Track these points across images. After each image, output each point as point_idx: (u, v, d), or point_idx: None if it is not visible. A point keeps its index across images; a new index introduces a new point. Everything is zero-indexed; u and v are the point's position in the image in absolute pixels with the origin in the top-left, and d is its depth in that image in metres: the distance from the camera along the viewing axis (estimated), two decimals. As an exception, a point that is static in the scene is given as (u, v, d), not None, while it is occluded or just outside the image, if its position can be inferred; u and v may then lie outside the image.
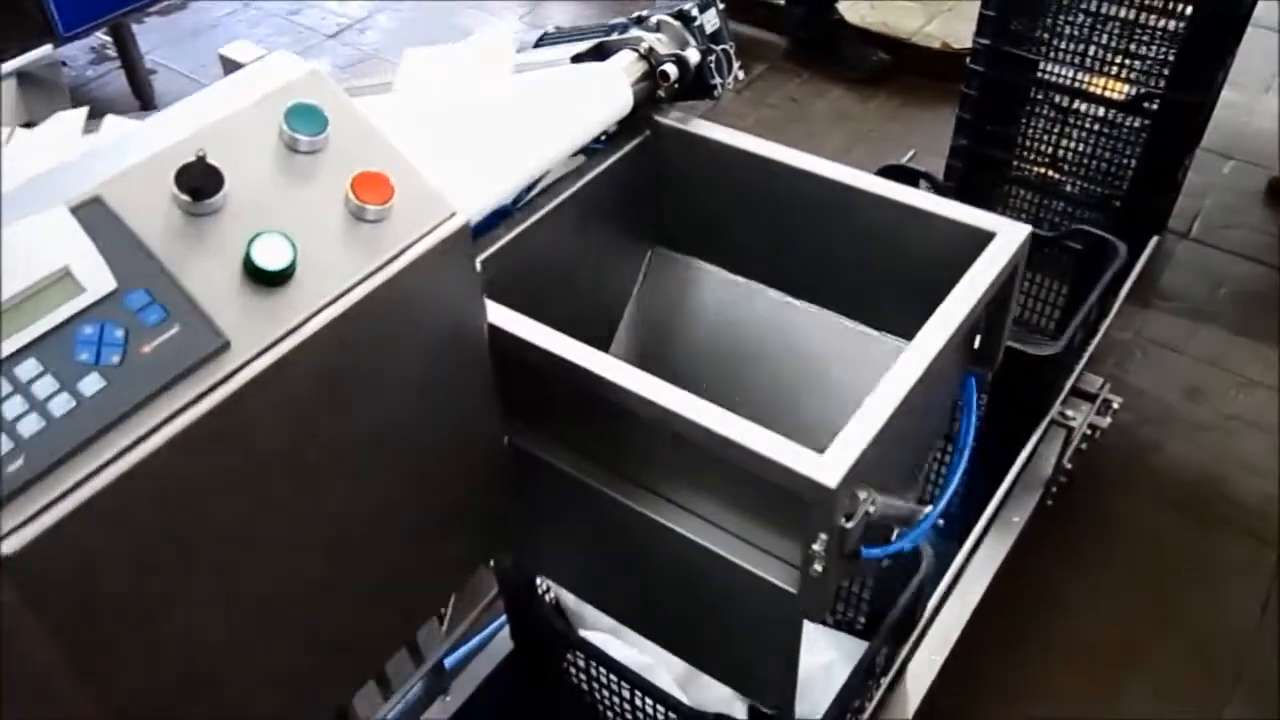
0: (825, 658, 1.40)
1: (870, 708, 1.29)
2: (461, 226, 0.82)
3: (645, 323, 1.36)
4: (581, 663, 1.36)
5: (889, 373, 0.91)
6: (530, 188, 1.19)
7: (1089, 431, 1.82)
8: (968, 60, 2.20)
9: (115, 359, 0.66)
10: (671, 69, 1.21)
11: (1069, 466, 1.76)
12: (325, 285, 0.75)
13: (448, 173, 0.99)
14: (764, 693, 1.11)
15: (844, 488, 0.83)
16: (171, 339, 0.68)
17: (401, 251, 0.78)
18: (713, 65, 1.27)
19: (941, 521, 1.18)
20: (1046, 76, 2.15)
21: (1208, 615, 1.73)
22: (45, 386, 0.63)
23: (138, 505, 0.66)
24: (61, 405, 0.63)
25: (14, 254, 0.65)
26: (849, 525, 0.87)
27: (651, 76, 1.22)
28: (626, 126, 1.25)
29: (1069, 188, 2.26)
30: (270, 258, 0.72)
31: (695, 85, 1.28)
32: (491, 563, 1.24)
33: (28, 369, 0.63)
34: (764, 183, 1.21)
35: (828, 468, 0.82)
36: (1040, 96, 2.20)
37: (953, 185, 2.38)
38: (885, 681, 1.32)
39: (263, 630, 0.80)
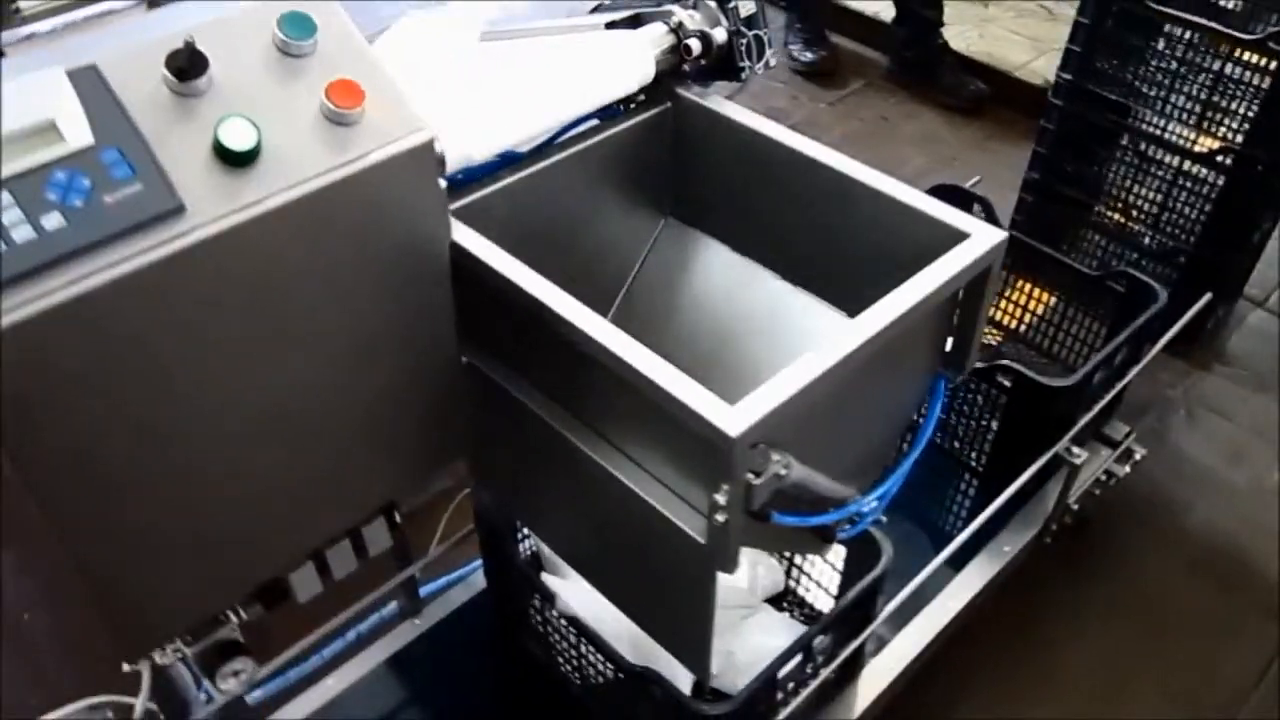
0: (779, 641, 1.42)
1: (805, 693, 1.31)
2: (427, 141, 0.88)
3: (648, 291, 1.41)
4: (538, 604, 1.42)
5: (822, 345, 0.93)
6: (548, 143, 1.25)
7: (1104, 477, 1.79)
8: (1049, 94, 2.18)
9: (79, 203, 0.74)
10: (695, 44, 1.26)
11: (1075, 507, 1.74)
12: (287, 173, 0.82)
13: (451, 109, 1.07)
14: (682, 650, 1.15)
15: (748, 440, 0.86)
16: (133, 195, 0.76)
17: (365, 154, 0.85)
18: (742, 48, 1.31)
19: (884, 518, 1.20)
20: (1128, 120, 2.12)
21: (1199, 679, 1.69)
22: (12, 216, 0.72)
23: (79, 334, 0.74)
24: (23, 234, 0.72)
25: (11, 103, 0.74)
26: (755, 481, 0.90)
27: (678, 50, 1.27)
28: (650, 97, 1.30)
29: (1146, 239, 2.21)
30: (236, 138, 0.79)
31: (723, 66, 1.33)
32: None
33: (2, 200, 0.72)
34: (772, 166, 1.24)
35: (733, 417, 0.86)
36: (1119, 140, 2.17)
37: (1021, 219, 2.36)
38: (826, 672, 1.33)
39: (199, 478, 0.88)
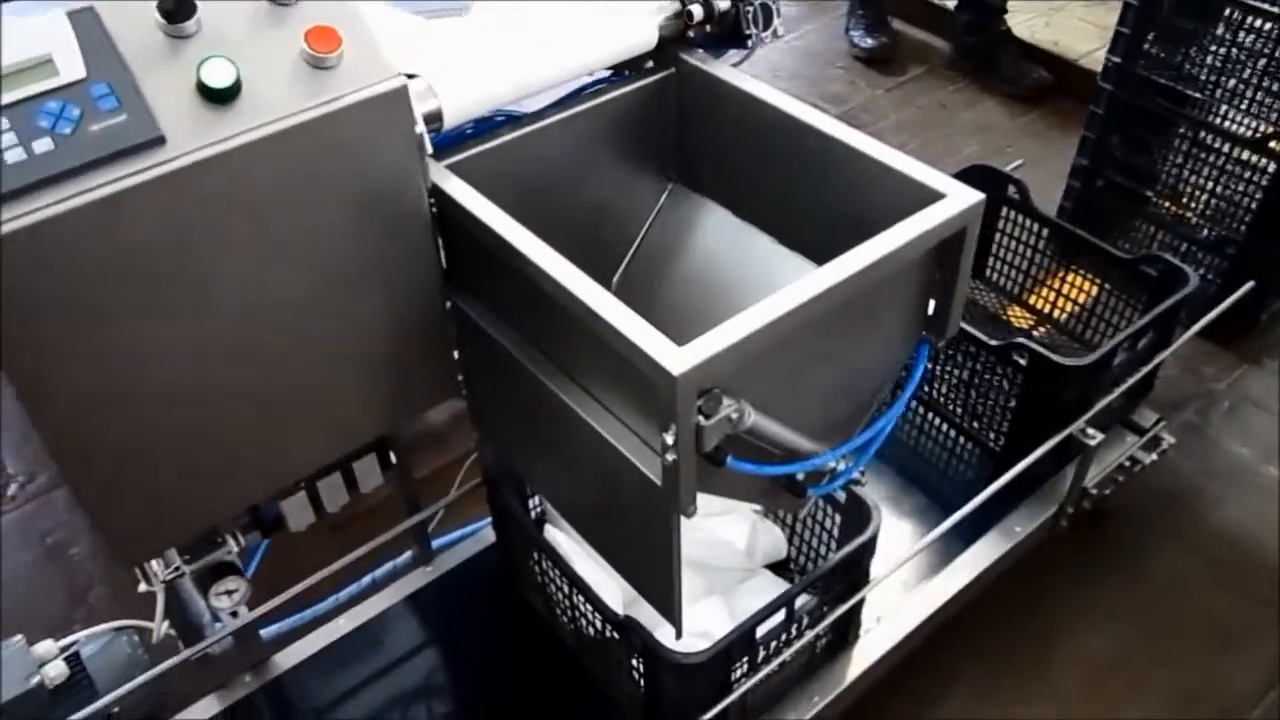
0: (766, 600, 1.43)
1: (787, 654, 1.33)
2: (400, 87, 0.93)
3: (654, 255, 1.44)
4: (537, 556, 1.47)
5: (777, 292, 0.96)
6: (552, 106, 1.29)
7: (1128, 463, 1.76)
8: (1098, 78, 2.14)
9: (68, 130, 0.81)
10: (698, 10, 1.29)
11: (1094, 492, 1.71)
12: (264, 112, 0.88)
13: (449, 64, 1.12)
14: (653, 594, 1.18)
15: (694, 380, 0.89)
16: (118, 125, 0.83)
17: (340, 96, 0.91)
18: (749, 16, 1.33)
19: (861, 475, 1.21)
20: (1183, 107, 2.06)
21: (1208, 680, 1.64)
22: (6, 140, 0.80)
23: (64, 251, 0.81)
24: (15, 156, 0.79)
25: (12, 39, 0.82)
26: (705, 423, 0.93)
27: (682, 16, 1.30)
28: (656, 62, 1.33)
29: (1199, 229, 2.15)
30: (216, 77, 0.85)
31: (731, 33, 1.35)
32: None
33: (-2, 124, 0.80)
34: (771, 131, 1.25)
35: (678, 357, 0.89)
36: (1172, 126, 2.12)
37: (1069, 205, 2.32)
38: (810, 634, 1.35)
39: (182, 396, 0.94)
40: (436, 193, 1.06)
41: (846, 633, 1.47)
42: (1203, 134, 2.07)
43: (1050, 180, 2.42)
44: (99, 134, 0.82)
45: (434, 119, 1.09)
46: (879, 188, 1.13)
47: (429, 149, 1.04)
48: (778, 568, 1.60)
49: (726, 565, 1.53)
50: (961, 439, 1.75)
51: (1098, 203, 2.28)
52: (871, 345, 1.15)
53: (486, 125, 1.23)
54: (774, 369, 1.01)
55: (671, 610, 1.15)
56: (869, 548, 1.34)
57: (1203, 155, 2.10)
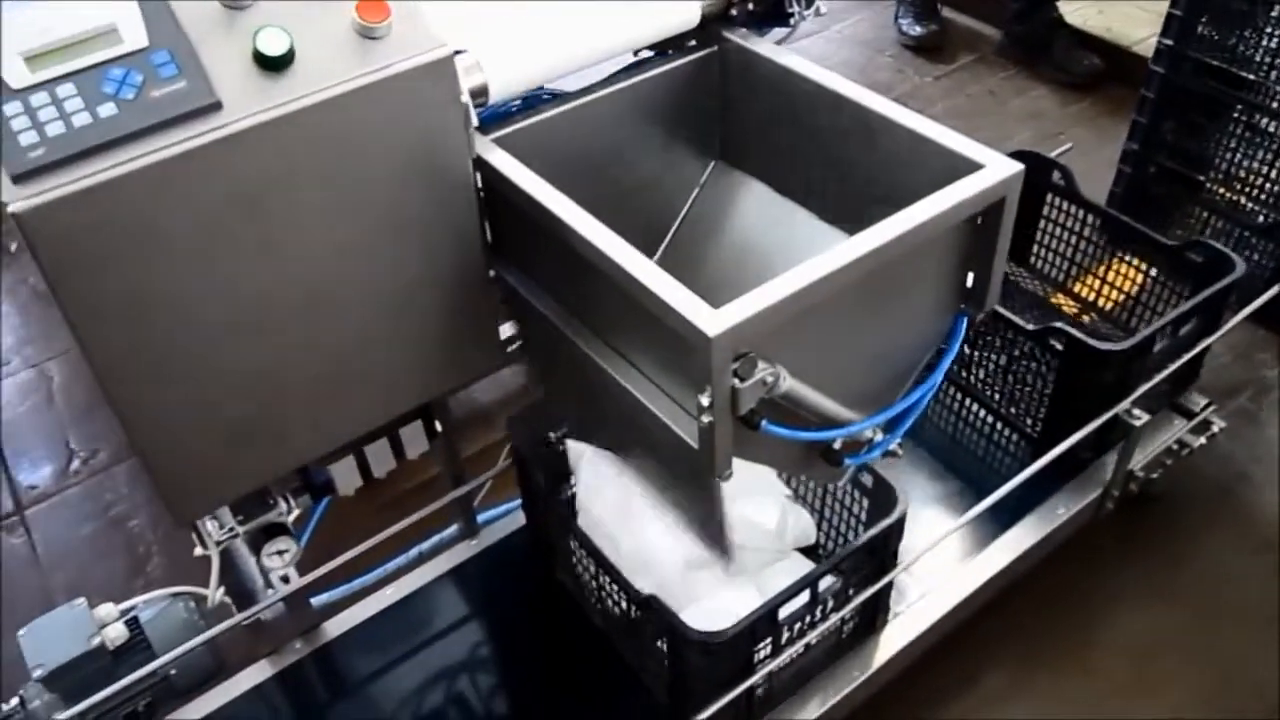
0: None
1: (811, 636, 1.33)
2: (447, 56, 0.96)
3: (696, 231, 1.46)
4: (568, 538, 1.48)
5: (812, 259, 0.97)
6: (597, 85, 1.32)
7: (1175, 446, 1.74)
8: (1149, 61, 2.11)
9: (130, 96, 0.85)
10: (740, -12, 1.30)
11: (1140, 475, 1.70)
12: (316, 79, 0.91)
13: (495, 41, 1.15)
14: (707, 538, 1.19)
15: (728, 342, 0.91)
16: (177, 91, 0.86)
17: (389, 65, 0.94)
18: (791, -6, 1.34)
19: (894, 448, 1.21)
20: (1233, 89, 2.03)
21: (1252, 668, 1.61)
22: (74, 105, 0.84)
23: (126, 211, 0.85)
24: (81, 120, 0.83)
25: (79, 9, 0.86)
26: (740, 386, 0.95)
27: (724, -7, 1.31)
28: (699, 40, 1.35)
29: (1258, 217, 2.11)
30: (271, 45, 0.89)
31: (774, 11, 1.37)
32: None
33: (65, 90, 0.84)
34: (814, 108, 1.26)
35: (714, 319, 0.91)
36: (1227, 110, 2.08)
37: (1119, 191, 2.30)
38: (835, 618, 1.35)
39: (233, 357, 0.98)
40: (481, 165, 1.09)
41: (874, 618, 1.47)
42: (1258, 117, 2.03)
43: (1102, 167, 2.39)
44: (160, 100, 0.86)
45: (480, 93, 1.12)
46: (919, 160, 1.14)
47: (475, 121, 1.06)
48: (807, 554, 1.61)
49: (756, 546, 1.53)
50: (1000, 424, 1.74)
51: (1149, 189, 2.24)
52: (908, 315, 1.16)
53: (531, 103, 1.26)
54: (810, 336, 1.02)
55: (724, 548, 1.16)
56: (895, 530, 1.34)
57: (1258, 140, 2.06)
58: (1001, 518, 1.61)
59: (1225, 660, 1.63)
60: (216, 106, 0.87)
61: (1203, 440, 1.75)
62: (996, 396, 1.74)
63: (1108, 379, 1.56)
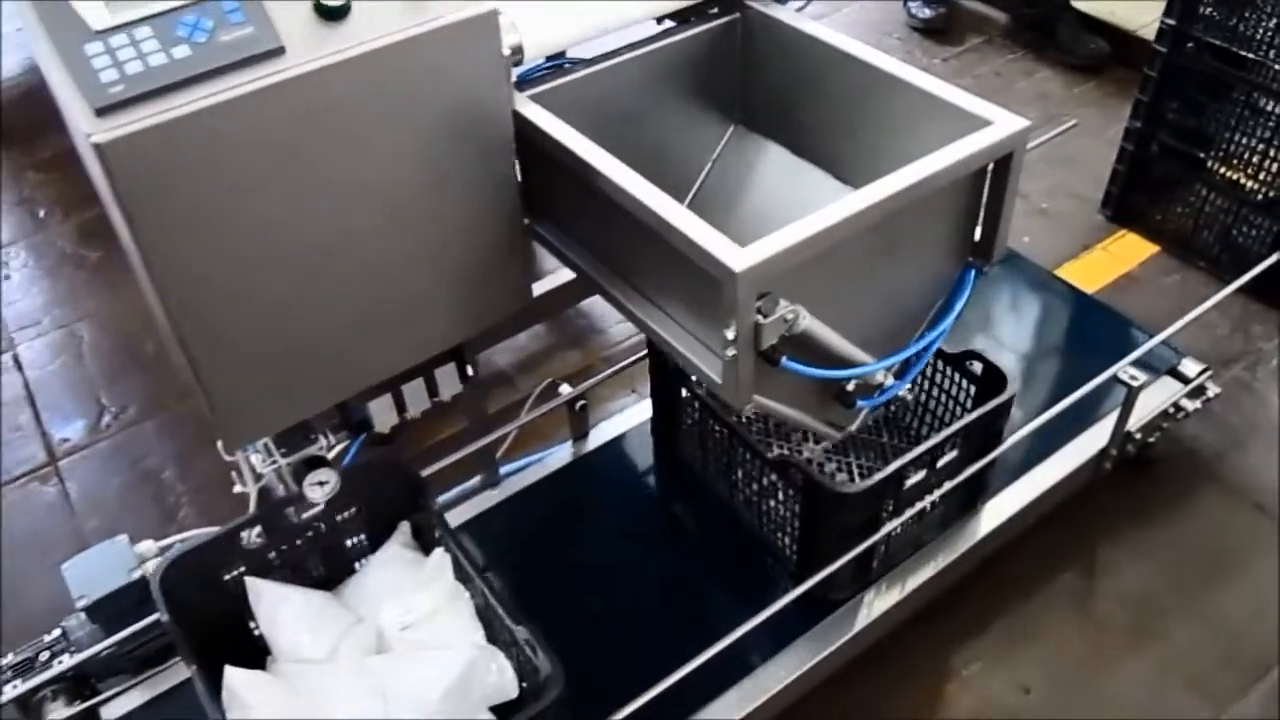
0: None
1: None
2: (490, 11, 1.02)
3: (714, 193, 1.52)
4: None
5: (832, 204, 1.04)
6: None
7: (1171, 410, 1.81)
8: (1153, 40, 2.17)
9: (202, 39, 0.92)
10: (761, -44, 1.36)
11: (1138, 436, 1.76)
12: (370, 29, 0.98)
13: (530, 5, 1.21)
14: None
15: (753, 278, 0.97)
16: (245, 36, 0.93)
17: (437, 17, 1.00)
18: (810, -39, 1.40)
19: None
20: (1234, 69, 2.09)
21: (1249, 620, 1.68)
22: (150, 46, 0.90)
23: (196, 145, 0.92)
24: (158, 60, 0.90)
25: (156, -41, 0.93)
26: (763, 321, 1.01)
27: (746, -39, 1.38)
28: (721, 7, 1.41)
29: (1257, 195, 2.17)
30: (330, -4, 0.95)
31: (792, -20, 1.43)
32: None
33: (143, 32, 0.90)
34: (830, 70, 1.33)
35: (740, 256, 0.97)
36: (1228, 89, 2.14)
37: (1123, 168, 2.36)
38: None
39: (285, 290, 1.05)
40: (518, 118, 1.15)
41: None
42: (1258, 97, 2.09)
43: (1106, 146, 2.46)
44: (228, 43, 0.92)
45: (517, 51, 1.19)
46: (932, 120, 1.20)
47: (513, 77, 1.13)
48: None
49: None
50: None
51: (1151, 166, 2.31)
52: (919, 264, 1.22)
53: (560, 62, 1.33)
54: (827, 280, 1.09)
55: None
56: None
57: (1258, 119, 2.12)
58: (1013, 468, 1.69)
59: (1218, 610, 1.70)
60: (280, 51, 0.94)
61: (1198, 405, 1.82)
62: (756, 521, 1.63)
63: (849, 520, 1.44)
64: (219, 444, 1.24)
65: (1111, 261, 2.37)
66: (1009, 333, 1.99)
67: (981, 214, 1.21)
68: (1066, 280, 2.13)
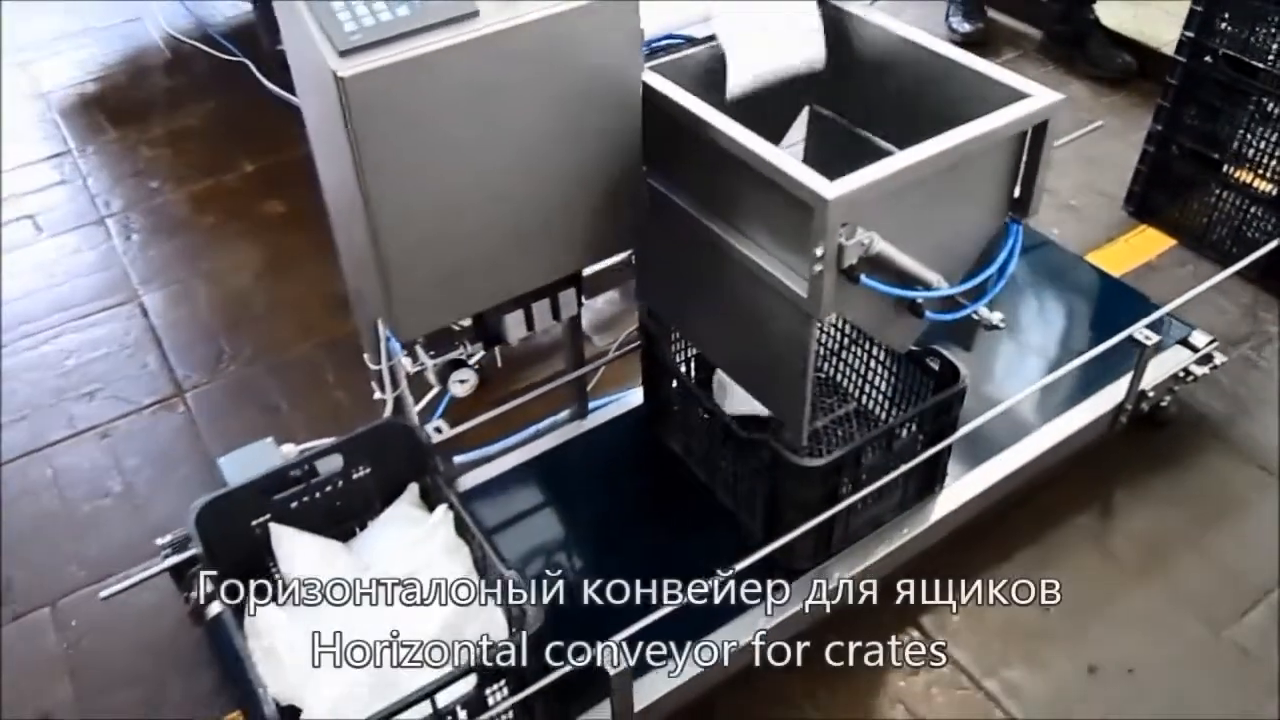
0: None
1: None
2: (636, -3, 1.28)
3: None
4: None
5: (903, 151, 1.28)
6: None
7: (1182, 374, 2.04)
8: (1174, 50, 2.41)
9: (419, 2, 1.17)
10: (840, -43, 1.61)
11: (1151, 395, 1.99)
12: (544, 4, 1.23)
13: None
14: (787, 410, 1.50)
15: (840, 208, 1.22)
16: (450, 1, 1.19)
17: (593, -2, 1.26)
18: (881, -35, 1.65)
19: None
20: (1248, 78, 2.32)
21: (1252, 563, 1.89)
22: (379, 5, 1.16)
23: (404, 88, 1.18)
24: (385, 16, 1.16)
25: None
26: (846, 242, 1.26)
27: (826, -38, 1.63)
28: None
29: (1271, 193, 2.39)
30: (513, -27, 1.21)
31: (862, -19, 1.68)
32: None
33: (375, -5, 1.16)
34: (897, 56, 1.57)
35: (830, 187, 1.22)
36: (1246, 97, 2.36)
37: (1145, 169, 2.59)
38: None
39: (457, 209, 1.30)
40: (644, 85, 1.41)
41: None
42: (1267, 103, 2.32)
43: (1130, 149, 2.69)
44: (437, 7, 1.18)
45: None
46: (981, 96, 1.44)
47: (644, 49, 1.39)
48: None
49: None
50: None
51: (1171, 168, 2.54)
52: (970, 210, 1.46)
53: (677, 41, 1.59)
54: (896, 218, 1.33)
55: (800, 423, 1.47)
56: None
57: (1268, 123, 2.35)
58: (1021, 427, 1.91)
59: (1221, 549, 1.92)
60: (475, 14, 1.19)
61: (1205, 370, 2.05)
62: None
63: (809, 493, 1.59)
64: (365, 356, 1.50)
65: (1132, 252, 2.60)
66: (1046, 305, 2.24)
67: (1021, 173, 1.45)
68: (1093, 263, 2.37)
